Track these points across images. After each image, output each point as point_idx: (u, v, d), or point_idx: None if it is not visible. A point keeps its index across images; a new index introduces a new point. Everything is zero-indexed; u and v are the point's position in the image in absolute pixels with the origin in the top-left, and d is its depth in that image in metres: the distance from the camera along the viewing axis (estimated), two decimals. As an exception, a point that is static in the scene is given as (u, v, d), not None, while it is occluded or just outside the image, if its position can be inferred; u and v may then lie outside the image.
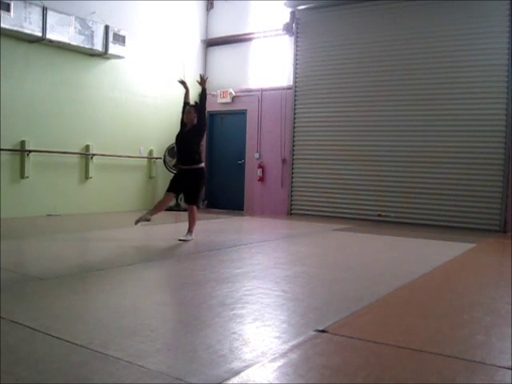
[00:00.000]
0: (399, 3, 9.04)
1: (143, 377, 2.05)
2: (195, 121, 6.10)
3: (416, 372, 2.21)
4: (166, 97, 10.64)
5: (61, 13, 8.05)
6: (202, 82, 6.21)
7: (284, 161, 10.37)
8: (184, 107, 6.24)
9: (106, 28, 8.78)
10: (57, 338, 2.47)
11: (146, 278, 4.14)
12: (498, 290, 3.97)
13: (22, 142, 8.01)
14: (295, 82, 10.18)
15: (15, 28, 7.47)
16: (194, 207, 6.11)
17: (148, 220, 5.96)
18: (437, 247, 6.35)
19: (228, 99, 11.05)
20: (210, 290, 3.62)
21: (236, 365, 2.21)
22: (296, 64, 10.17)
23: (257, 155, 10.72)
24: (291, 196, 10.28)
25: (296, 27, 10.13)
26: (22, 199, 8.03)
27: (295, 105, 10.19)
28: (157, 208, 6.20)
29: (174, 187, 6.13)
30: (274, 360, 2.29)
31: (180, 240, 5.91)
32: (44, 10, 7.79)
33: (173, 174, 6.66)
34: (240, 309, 3.14)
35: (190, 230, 6.06)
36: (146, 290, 3.73)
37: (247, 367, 2.19)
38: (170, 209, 10.39)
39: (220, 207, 11.17)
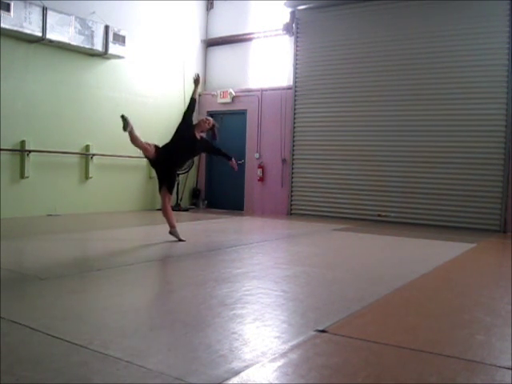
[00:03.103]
0: (399, 3, 9.04)
1: (143, 377, 2.05)
2: (204, 133, 6.14)
3: (416, 372, 2.21)
4: (166, 97, 10.64)
5: (61, 13, 8.05)
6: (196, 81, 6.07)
7: (284, 161, 10.37)
8: (192, 103, 6.09)
9: (106, 28, 8.78)
10: (57, 337, 2.47)
11: (145, 277, 4.14)
12: (498, 290, 3.97)
13: (22, 142, 8.01)
14: (295, 82, 10.18)
15: (15, 28, 7.47)
16: (167, 198, 5.96)
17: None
18: (437, 247, 6.35)
19: (228, 99, 11.05)
20: (209, 290, 3.62)
21: (236, 365, 2.21)
22: (296, 64, 10.17)
23: (257, 155, 10.72)
24: (291, 196, 10.28)
25: (296, 27, 10.13)
26: (22, 199, 8.03)
27: (295, 105, 10.19)
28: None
29: (160, 180, 5.92)
30: (274, 360, 2.29)
31: (180, 240, 5.92)
32: (44, 9, 7.79)
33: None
34: (240, 309, 3.13)
35: (172, 226, 5.95)
36: (146, 290, 3.73)
37: (247, 367, 2.19)
38: (171, 209, 10.39)
39: (220, 207, 11.17)
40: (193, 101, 6.10)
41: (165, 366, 2.16)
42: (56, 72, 8.51)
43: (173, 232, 5.96)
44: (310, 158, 10.02)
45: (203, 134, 6.24)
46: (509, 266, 5.00)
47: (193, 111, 6.11)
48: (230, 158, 6.42)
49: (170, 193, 6.05)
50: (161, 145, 5.90)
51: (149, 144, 5.72)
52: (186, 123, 6.03)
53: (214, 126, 6.19)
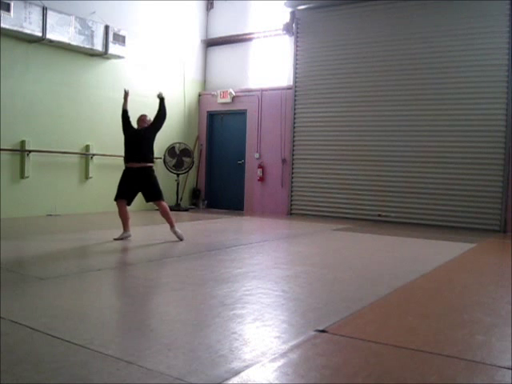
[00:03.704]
0: (399, 3, 9.04)
1: (143, 377, 2.05)
2: (148, 123, 6.27)
3: (416, 372, 2.21)
4: (166, 97, 10.61)
5: (61, 13, 8.05)
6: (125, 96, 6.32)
7: (284, 161, 10.37)
8: (123, 114, 6.25)
9: (106, 28, 8.78)
10: (57, 337, 2.47)
11: (145, 277, 4.14)
12: (498, 290, 3.97)
13: (22, 142, 8.01)
14: (295, 82, 10.18)
15: (15, 28, 7.48)
16: (162, 202, 6.04)
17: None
18: (437, 247, 6.35)
19: (228, 99, 11.05)
20: (209, 290, 3.62)
21: (236, 365, 2.21)
22: (296, 64, 10.17)
23: (257, 155, 10.72)
24: (291, 196, 10.28)
25: (296, 27, 10.13)
26: (22, 199, 8.03)
27: (295, 105, 10.19)
28: (124, 221, 6.06)
29: (125, 193, 6.01)
30: (274, 360, 2.29)
31: (180, 239, 5.93)
32: (44, 9, 7.79)
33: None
34: (240, 309, 3.13)
35: (172, 225, 6.01)
36: (146, 290, 3.73)
37: (247, 367, 2.19)
38: (171, 209, 10.38)
39: (220, 207, 11.17)
40: (123, 112, 6.29)
41: (165, 366, 2.16)
42: (56, 72, 8.51)
43: (175, 231, 5.98)
44: (310, 158, 10.02)
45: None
46: (509, 266, 5.00)
47: (126, 120, 6.26)
48: (162, 101, 6.67)
49: (162, 199, 6.09)
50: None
51: (122, 209, 6.07)
52: (128, 129, 6.22)
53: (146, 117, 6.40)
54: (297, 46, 10.17)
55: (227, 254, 5.24)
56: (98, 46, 8.71)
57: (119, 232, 6.07)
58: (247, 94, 10.89)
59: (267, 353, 2.37)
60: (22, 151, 8.01)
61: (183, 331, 2.70)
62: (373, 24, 9.29)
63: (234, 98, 11.04)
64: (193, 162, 10.69)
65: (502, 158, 8.16)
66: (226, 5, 11.29)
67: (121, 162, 9.60)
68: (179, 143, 10.56)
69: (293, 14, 10.12)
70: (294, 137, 10.24)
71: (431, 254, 5.81)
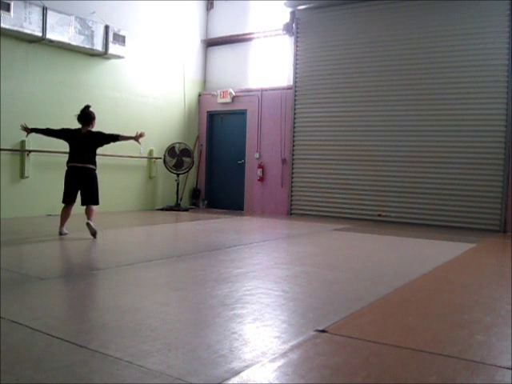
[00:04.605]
0: (399, 3, 9.04)
1: (143, 377, 2.05)
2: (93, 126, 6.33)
3: (416, 372, 2.21)
4: (166, 97, 10.65)
5: (61, 13, 8.05)
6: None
7: (284, 161, 10.37)
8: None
9: (106, 28, 8.78)
10: (57, 337, 2.47)
11: (145, 277, 4.14)
12: (498, 290, 3.97)
13: (22, 142, 8.02)
14: (295, 82, 10.18)
15: (15, 28, 7.48)
16: (95, 208, 6.13)
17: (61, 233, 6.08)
18: (437, 247, 6.35)
19: (228, 99, 11.06)
20: (209, 290, 3.62)
21: (236, 365, 2.21)
22: (296, 64, 10.17)
23: (257, 155, 10.72)
24: (291, 196, 10.28)
25: (296, 27, 10.13)
26: (22, 199, 8.03)
27: (295, 105, 10.19)
28: (63, 220, 6.22)
29: (72, 196, 6.16)
30: (274, 360, 2.29)
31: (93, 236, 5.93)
32: (44, 9, 7.80)
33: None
34: (240, 309, 3.13)
35: (91, 219, 6.01)
36: (146, 290, 3.73)
37: (247, 367, 2.19)
38: (170, 209, 10.40)
39: (220, 207, 11.17)
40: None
41: (165, 366, 2.16)
42: (56, 72, 8.51)
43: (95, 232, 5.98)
44: (310, 158, 10.02)
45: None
46: (509, 266, 5.00)
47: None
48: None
49: (95, 202, 6.20)
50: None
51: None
52: (71, 133, 6.47)
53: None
54: (297, 46, 10.17)
55: (227, 253, 5.24)
56: (98, 46, 8.71)
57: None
58: (247, 93, 10.89)
59: (267, 353, 2.37)
60: (22, 151, 8.01)
61: (183, 331, 2.69)
62: (373, 24, 9.29)
63: (234, 98, 11.04)
64: (193, 162, 10.70)
65: (502, 158, 8.17)
66: (226, 5, 11.29)
67: (121, 161, 9.68)
68: (179, 143, 10.56)
69: (293, 14, 10.13)
70: (294, 137, 10.24)
71: (431, 253, 5.81)
